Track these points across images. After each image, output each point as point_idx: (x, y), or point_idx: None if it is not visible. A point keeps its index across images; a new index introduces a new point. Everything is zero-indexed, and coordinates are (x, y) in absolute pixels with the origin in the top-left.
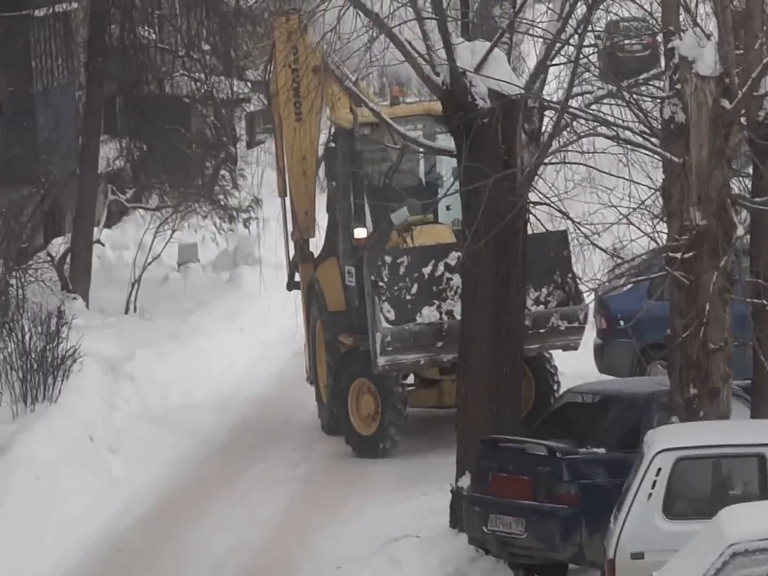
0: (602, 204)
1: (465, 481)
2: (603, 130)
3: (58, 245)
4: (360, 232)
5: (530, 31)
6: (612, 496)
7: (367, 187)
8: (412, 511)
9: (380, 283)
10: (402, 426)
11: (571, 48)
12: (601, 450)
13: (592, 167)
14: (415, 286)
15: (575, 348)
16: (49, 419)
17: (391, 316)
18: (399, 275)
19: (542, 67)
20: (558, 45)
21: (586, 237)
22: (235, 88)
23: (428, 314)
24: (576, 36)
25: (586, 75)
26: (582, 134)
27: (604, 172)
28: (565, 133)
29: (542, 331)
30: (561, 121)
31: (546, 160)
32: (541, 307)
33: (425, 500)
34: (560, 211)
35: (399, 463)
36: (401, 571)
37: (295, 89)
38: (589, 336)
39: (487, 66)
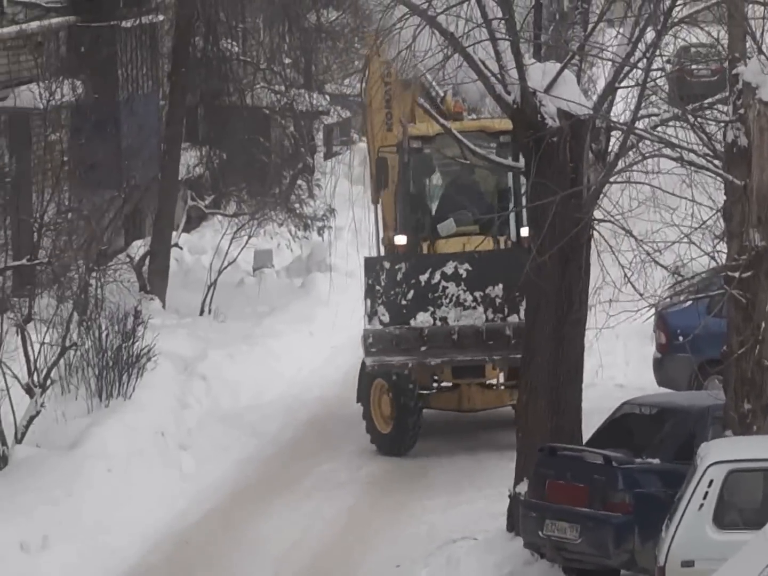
0: (665, 223)
1: (523, 487)
2: (668, 151)
3: (138, 248)
4: (400, 239)
5: (600, 54)
6: (665, 505)
7: (414, 197)
8: (471, 514)
9: (377, 287)
10: (415, 427)
11: (639, 71)
12: (656, 460)
13: (656, 187)
14: (411, 292)
15: None
16: (123, 415)
17: (386, 319)
18: (396, 281)
19: (610, 89)
20: (626, 68)
21: (648, 254)
22: (314, 101)
23: (422, 320)
24: (644, 60)
25: (653, 98)
26: (647, 155)
27: (668, 192)
28: (630, 153)
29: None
30: (627, 141)
31: (611, 179)
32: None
33: (483, 504)
34: (623, 228)
35: (458, 468)
36: (458, 572)
37: (387, 101)
38: (650, 350)
39: (557, 87)
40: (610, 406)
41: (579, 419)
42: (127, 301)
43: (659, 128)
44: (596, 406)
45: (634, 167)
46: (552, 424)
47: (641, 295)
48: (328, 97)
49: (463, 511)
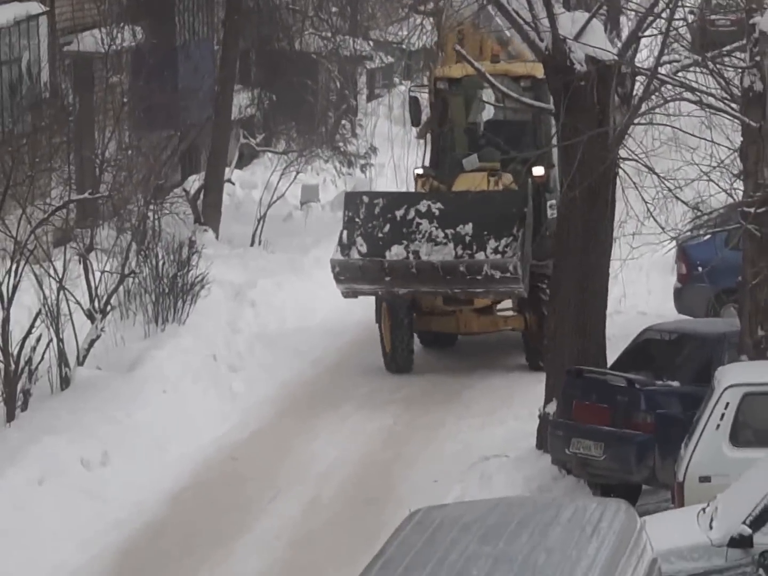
0: (685, 162)
1: (551, 407)
2: (688, 95)
3: (193, 182)
4: (418, 171)
5: (625, 5)
6: (684, 425)
7: (443, 135)
8: (503, 433)
9: (356, 219)
10: (407, 346)
11: (662, 21)
12: (676, 383)
13: (677, 128)
14: (387, 225)
15: (520, 295)
16: (177, 339)
17: (364, 249)
18: (374, 214)
19: (634, 37)
20: (650, 18)
21: (670, 190)
22: (358, 47)
23: (396, 252)
24: (667, 10)
25: (675, 45)
26: (669, 98)
27: (688, 133)
28: (653, 96)
29: (479, 277)
30: (650, 86)
31: (636, 121)
32: (498, 256)
33: (514, 424)
34: (647, 166)
35: (491, 389)
36: (490, 487)
37: (460, 40)
38: (670, 281)
39: (585, 34)
40: (633, 332)
41: (604, 344)
42: (182, 232)
43: (680, 73)
44: (620, 332)
45: (657, 110)
46: (578, 347)
47: (663, 228)
48: (371, 43)
49: (496, 430)
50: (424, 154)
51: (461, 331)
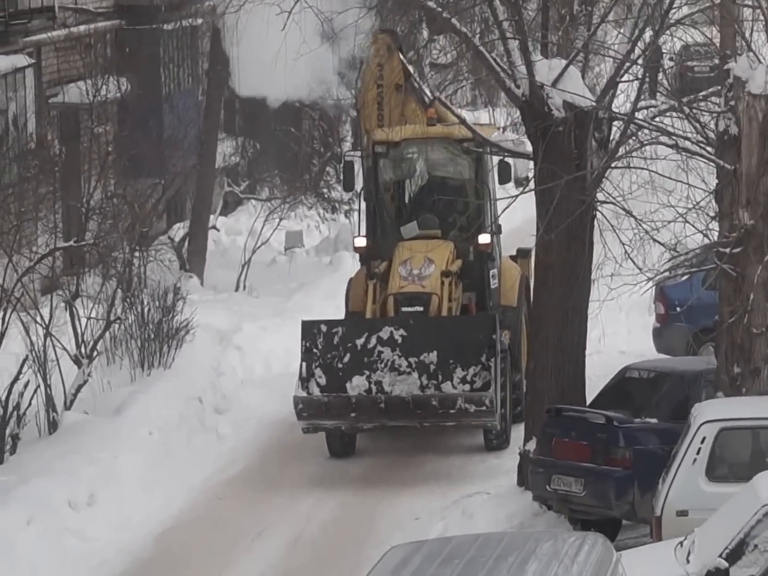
0: (662, 204)
1: (531, 445)
2: (664, 139)
3: (178, 230)
4: (359, 242)
5: (603, 52)
6: (662, 460)
7: (379, 201)
8: (484, 471)
9: (314, 350)
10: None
11: (639, 67)
12: (654, 420)
13: (653, 171)
14: (348, 355)
15: (492, 428)
16: (163, 383)
17: (323, 381)
18: (333, 344)
19: (612, 83)
20: (627, 65)
21: (647, 232)
22: (341, 95)
23: (358, 383)
24: (643, 57)
25: (650, 92)
26: (646, 142)
27: (665, 176)
28: (630, 141)
29: (452, 411)
30: (627, 130)
31: (613, 165)
32: (467, 386)
33: (495, 462)
34: (624, 209)
35: (473, 430)
36: (472, 523)
37: (379, 103)
38: (649, 320)
39: (563, 81)
40: (613, 371)
41: (583, 383)
42: (167, 278)
43: (657, 118)
44: (600, 372)
45: (634, 153)
46: (558, 387)
47: (641, 269)
48: (353, 90)
49: (477, 468)
50: (359, 222)
51: None
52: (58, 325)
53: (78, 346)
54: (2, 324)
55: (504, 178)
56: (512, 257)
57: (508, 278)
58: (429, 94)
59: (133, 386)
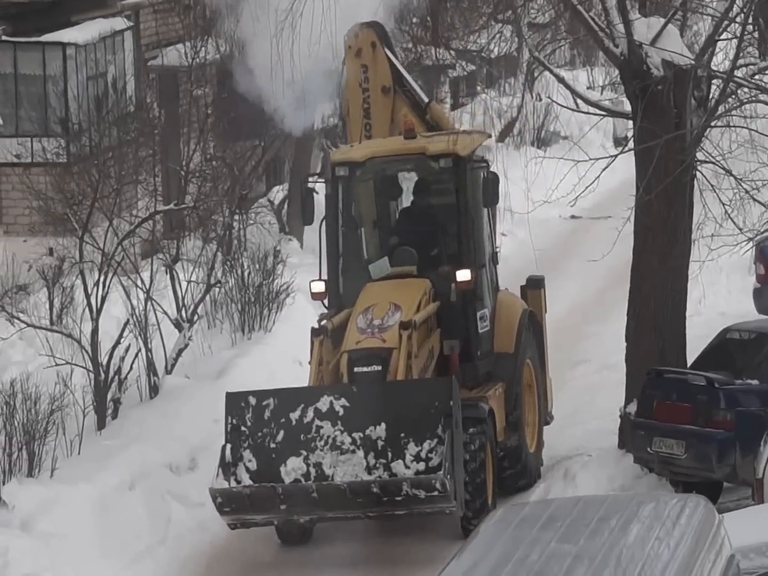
0: (762, 163)
1: (632, 407)
2: (764, 97)
3: (277, 192)
4: (316, 286)
5: (701, 10)
6: (763, 422)
7: (343, 234)
8: (586, 433)
9: (242, 428)
10: None
11: (737, 25)
12: (755, 381)
13: (753, 130)
14: (281, 433)
15: (455, 514)
16: (263, 346)
17: (253, 465)
18: (264, 420)
19: (710, 42)
20: (725, 22)
21: (747, 192)
22: (439, 56)
23: (294, 466)
24: (741, 15)
25: (750, 49)
26: (745, 101)
27: (765, 135)
28: (730, 99)
29: (398, 498)
30: (726, 89)
31: (712, 123)
32: (421, 464)
33: (597, 423)
34: (724, 168)
35: (575, 393)
36: (574, 484)
37: (366, 110)
38: (750, 281)
39: (661, 39)
40: (713, 332)
41: (684, 344)
42: (267, 241)
43: (757, 76)
44: (700, 333)
45: (734, 112)
46: (658, 348)
47: (741, 230)
48: (452, 52)
49: (579, 431)
50: (320, 261)
51: None
52: (159, 289)
53: (178, 310)
54: (103, 288)
55: (489, 199)
56: (523, 288)
57: (504, 319)
58: (424, 96)
59: (233, 350)
